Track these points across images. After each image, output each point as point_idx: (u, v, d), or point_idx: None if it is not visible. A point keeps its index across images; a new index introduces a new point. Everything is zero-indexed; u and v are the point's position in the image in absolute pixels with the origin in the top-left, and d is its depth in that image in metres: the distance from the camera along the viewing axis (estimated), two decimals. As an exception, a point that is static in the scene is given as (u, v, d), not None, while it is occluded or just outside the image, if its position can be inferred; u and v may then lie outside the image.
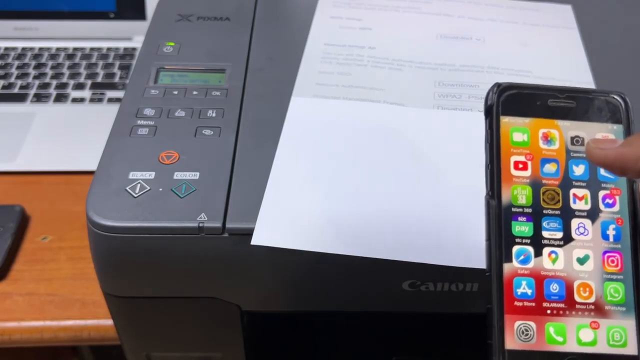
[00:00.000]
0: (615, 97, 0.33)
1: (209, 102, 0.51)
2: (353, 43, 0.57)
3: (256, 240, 0.41)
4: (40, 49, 0.84)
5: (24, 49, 0.84)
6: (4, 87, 0.79)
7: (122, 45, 0.84)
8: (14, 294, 0.60)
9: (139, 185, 0.45)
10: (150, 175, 0.45)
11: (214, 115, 0.50)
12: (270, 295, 0.47)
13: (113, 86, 0.79)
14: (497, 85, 0.33)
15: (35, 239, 0.64)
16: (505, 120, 0.33)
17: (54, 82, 0.79)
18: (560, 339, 0.31)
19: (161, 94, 0.52)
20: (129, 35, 0.85)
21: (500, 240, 0.31)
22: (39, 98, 0.77)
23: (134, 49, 0.84)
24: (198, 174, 0.45)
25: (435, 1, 0.62)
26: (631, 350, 0.31)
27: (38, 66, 0.81)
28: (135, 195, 0.44)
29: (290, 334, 0.59)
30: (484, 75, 0.54)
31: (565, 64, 0.56)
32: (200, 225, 0.43)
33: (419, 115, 0.50)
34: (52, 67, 0.81)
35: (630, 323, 0.32)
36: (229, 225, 0.43)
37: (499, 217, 0.32)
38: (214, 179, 0.45)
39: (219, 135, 0.49)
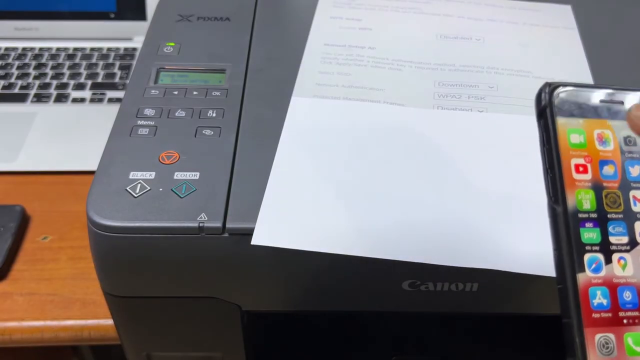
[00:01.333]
0: None
1: (209, 102, 0.52)
2: (353, 43, 0.57)
3: (256, 240, 0.41)
4: (41, 49, 0.84)
5: (24, 49, 0.84)
6: (4, 87, 0.79)
7: (122, 45, 0.84)
8: (14, 294, 0.60)
9: (139, 185, 0.45)
10: (150, 175, 0.45)
11: (214, 115, 0.50)
12: (270, 295, 0.47)
13: (113, 86, 0.79)
14: (548, 84, 0.32)
15: (35, 239, 0.64)
16: (561, 121, 0.31)
17: (55, 82, 0.79)
18: None
19: (161, 94, 0.52)
20: (130, 35, 0.85)
21: (571, 249, 0.30)
22: (40, 98, 0.77)
23: (134, 49, 0.84)
24: (198, 174, 0.46)
25: (435, 1, 0.62)
26: None
27: (38, 66, 0.81)
28: (136, 195, 0.44)
29: (290, 334, 0.59)
30: (483, 76, 0.54)
31: (565, 64, 0.56)
32: (201, 225, 0.43)
33: (419, 115, 0.50)
34: (53, 67, 0.81)
35: None
36: (229, 225, 0.43)
37: (568, 225, 0.30)
38: (214, 179, 0.45)
39: (219, 135, 0.49)
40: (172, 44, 0.57)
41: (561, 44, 0.58)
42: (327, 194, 0.44)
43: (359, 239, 0.42)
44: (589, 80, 0.54)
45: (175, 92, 0.52)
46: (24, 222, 0.65)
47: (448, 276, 0.45)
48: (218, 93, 0.52)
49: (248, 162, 0.47)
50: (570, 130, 0.31)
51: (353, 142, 0.48)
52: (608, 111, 0.32)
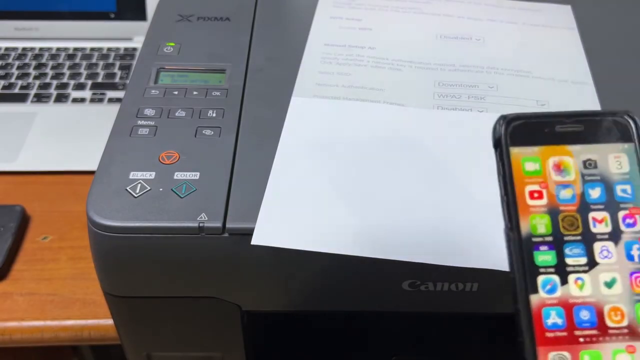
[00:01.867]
0: (623, 116, 0.33)
1: (209, 102, 0.52)
2: (353, 43, 0.57)
3: (256, 240, 0.41)
4: (41, 49, 0.84)
5: (24, 49, 0.84)
6: (4, 87, 0.79)
7: (122, 45, 0.84)
8: (14, 294, 0.60)
9: (139, 185, 0.45)
10: (150, 175, 0.45)
11: (214, 115, 0.50)
12: (270, 295, 0.47)
13: (113, 86, 0.79)
14: (503, 117, 0.33)
15: (35, 239, 0.64)
16: (515, 151, 0.33)
17: (55, 82, 0.79)
18: None
19: (161, 94, 0.52)
20: (130, 35, 0.85)
21: (524, 272, 0.31)
22: (40, 98, 0.77)
23: (134, 49, 0.84)
24: (198, 174, 0.46)
25: (435, 1, 0.62)
26: None
27: (38, 66, 0.81)
28: (136, 195, 0.44)
29: (290, 334, 0.59)
30: (483, 76, 0.54)
31: (565, 64, 0.56)
32: (201, 225, 0.43)
33: (419, 115, 0.50)
34: (53, 67, 0.81)
35: None
36: (229, 225, 0.43)
37: (521, 249, 0.31)
38: (214, 179, 0.45)
39: (219, 135, 0.49)
40: (172, 44, 0.57)
41: (561, 44, 0.58)
42: (327, 194, 0.44)
43: (359, 239, 0.42)
44: (589, 80, 0.54)
45: (175, 92, 0.52)
46: (24, 222, 0.65)
47: (448, 276, 0.45)
48: (218, 93, 0.52)
49: (248, 162, 0.47)
50: (525, 159, 0.33)
51: (353, 142, 0.48)
52: (566, 136, 0.33)
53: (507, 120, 0.33)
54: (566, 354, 0.30)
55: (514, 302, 0.31)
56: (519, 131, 0.33)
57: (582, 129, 0.33)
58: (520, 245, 0.31)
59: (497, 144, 0.33)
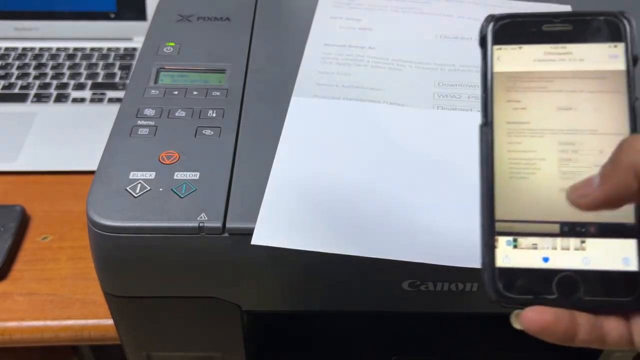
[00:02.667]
0: (616, 16, 0.33)
1: (209, 102, 0.52)
2: (353, 43, 0.57)
3: (256, 240, 0.41)
4: (41, 49, 0.84)
5: (24, 49, 0.84)
6: (4, 87, 0.79)
7: (122, 45, 0.84)
8: (14, 294, 0.60)
9: (139, 185, 0.45)
10: (150, 175, 0.45)
11: (214, 115, 0.50)
12: (270, 295, 0.47)
13: (113, 86, 0.79)
14: (491, 16, 0.34)
15: (35, 239, 0.64)
16: (497, 48, 0.34)
17: (55, 82, 0.79)
18: (549, 254, 0.32)
19: (161, 94, 0.52)
20: (130, 35, 0.85)
21: (492, 164, 0.33)
22: (40, 98, 0.77)
23: (134, 49, 0.84)
24: (198, 174, 0.46)
25: (435, 1, 0.62)
26: (631, 265, 0.32)
27: (38, 66, 0.81)
28: (136, 195, 0.44)
29: (290, 333, 0.59)
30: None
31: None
32: (201, 225, 0.43)
33: (419, 115, 0.50)
34: (53, 67, 0.81)
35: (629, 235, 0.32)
36: (229, 225, 0.43)
37: (492, 144, 0.33)
38: (214, 179, 0.45)
39: (219, 135, 0.49)
40: (172, 44, 0.57)
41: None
42: (326, 194, 0.44)
43: (359, 239, 0.42)
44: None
45: (175, 92, 0.52)
46: (24, 222, 0.65)
47: (448, 276, 0.45)
48: (218, 93, 0.52)
49: (248, 162, 0.47)
50: (507, 56, 0.34)
51: (353, 142, 0.48)
52: (552, 36, 0.34)
53: (494, 19, 0.34)
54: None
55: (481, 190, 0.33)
56: (506, 30, 0.34)
57: (570, 29, 0.34)
58: (492, 141, 0.33)
59: (483, 42, 0.34)
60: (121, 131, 0.49)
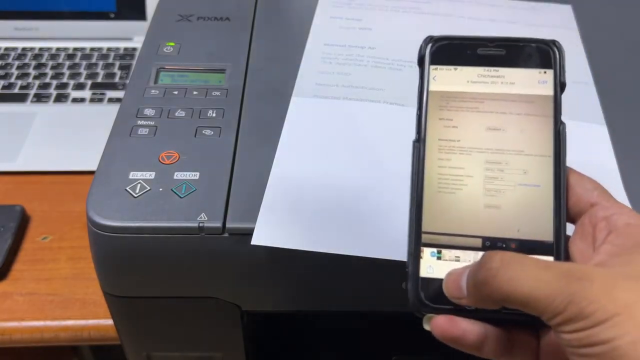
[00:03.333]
0: (547, 44, 0.36)
1: (209, 102, 0.52)
2: (353, 43, 0.57)
3: (256, 240, 0.41)
4: (41, 49, 0.84)
5: (24, 49, 0.84)
6: (4, 87, 0.79)
7: (122, 45, 0.84)
8: (14, 294, 0.60)
9: (139, 185, 0.45)
10: (150, 175, 0.45)
11: (214, 115, 0.50)
12: (270, 295, 0.47)
13: (113, 86, 0.79)
14: (430, 37, 0.36)
15: (35, 239, 0.64)
16: (433, 68, 0.36)
17: (54, 82, 0.79)
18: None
19: (161, 94, 0.52)
20: (129, 35, 0.85)
21: (422, 179, 0.35)
22: (39, 98, 0.77)
23: (134, 49, 0.84)
24: (198, 174, 0.46)
25: (435, 1, 0.62)
26: (545, 235, 0.34)
27: (38, 66, 0.81)
28: (136, 195, 0.44)
29: (290, 334, 0.59)
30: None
31: (565, 63, 0.56)
32: (201, 225, 0.43)
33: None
34: (52, 67, 0.81)
35: (545, 202, 0.34)
36: (229, 225, 0.43)
37: (424, 159, 0.35)
38: (214, 179, 0.45)
39: (219, 135, 0.49)
40: (172, 43, 0.57)
41: (561, 43, 0.58)
42: (326, 194, 0.44)
43: (359, 239, 0.42)
44: (589, 79, 0.54)
45: (175, 92, 0.52)
46: (23, 222, 0.65)
47: (448, 276, 0.45)
48: (218, 93, 0.52)
49: (248, 162, 0.47)
50: (442, 76, 0.36)
51: (353, 142, 0.48)
52: (486, 60, 0.36)
53: (432, 40, 0.36)
54: None
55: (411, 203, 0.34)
56: (443, 51, 0.36)
57: (503, 54, 0.36)
58: (424, 156, 0.35)
59: (421, 62, 0.36)
60: (121, 131, 0.49)
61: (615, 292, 0.27)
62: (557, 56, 0.35)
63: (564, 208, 0.34)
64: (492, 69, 0.35)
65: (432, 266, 0.34)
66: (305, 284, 0.46)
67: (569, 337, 0.28)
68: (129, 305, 0.48)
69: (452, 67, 0.36)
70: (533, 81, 0.35)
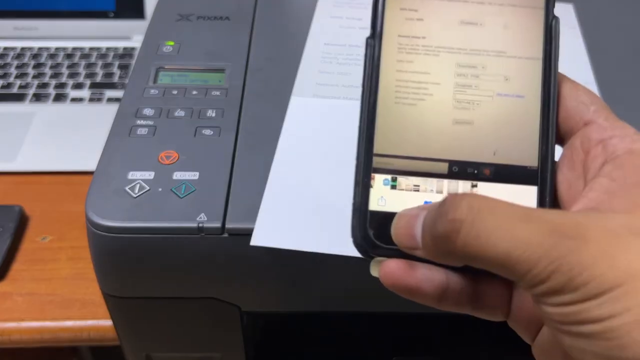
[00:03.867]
0: None
1: (208, 102, 0.51)
2: (353, 43, 0.57)
3: (256, 240, 0.41)
4: (40, 48, 0.84)
5: (23, 48, 0.84)
6: (3, 87, 0.79)
7: (121, 44, 0.84)
8: (13, 294, 0.60)
9: (138, 185, 0.45)
10: (149, 175, 0.45)
11: (213, 115, 0.50)
12: (270, 295, 0.47)
13: (112, 86, 0.79)
14: None
15: (34, 239, 0.64)
16: None
17: (53, 82, 0.79)
18: (433, 198, 0.27)
19: (161, 93, 0.52)
20: (128, 34, 0.85)
21: (377, 86, 0.28)
22: (38, 98, 0.77)
23: (133, 48, 0.84)
24: (198, 174, 0.45)
25: None
26: (529, 160, 0.27)
27: (37, 66, 0.81)
28: (135, 196, 0.44)
29: (290, 334, 0.59)
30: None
31: (567, 62, 0.55)
32: (200, 225, 0.42)
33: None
34: (51, 67, 0.81)
35: (529, 118, 0.27)
36: (228, 225, 0.43)
37: (379, 61, 0.28)
38: (214, 179, 0.45)
39: (219, 135, 0.48)
40: (172, 43, 0.57)
41: (563, 43, 0.58)
42: (326, 194, 0.44)
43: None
44: (591, 79, 0.54)
45: (175, 92, 0.52)
46: (23, 222, 0.65)
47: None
48: (218, 93, 0.52)
49: (247, 162, 0.47)
50: None
51: (353, 142, 0.47)
52: None
53: None
54: None
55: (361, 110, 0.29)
56: None
57: None
58: (379, 56, 0.28)
59: None
60: (120, 131, 0.49)
61: (617, 256, 0.21)
62: None
63: (554, 126, 0.27)
64: None
65: (384, 197, 0.28)
66: (305, 284, 0.46)
67: (552, 310, 0.22)
68: (128, 305, 0.48)
69: None
70: None
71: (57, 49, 0.83)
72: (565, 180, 0.27)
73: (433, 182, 0.27)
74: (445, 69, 0.28)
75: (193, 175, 0.45)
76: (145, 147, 0.47)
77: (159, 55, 0.56)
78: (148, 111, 0.50)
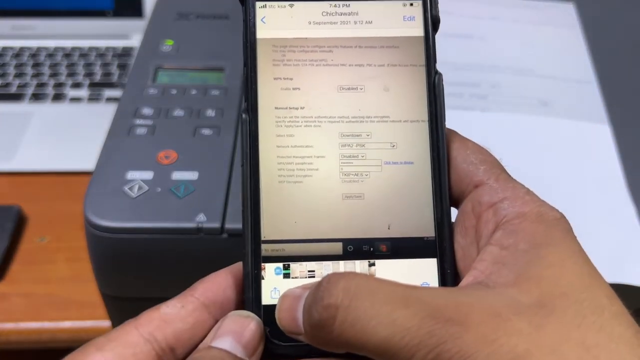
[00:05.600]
0: None
1: (207, 101, 0.51)
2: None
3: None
4: (38, 48, 0.83)
5: (21, 48, 0.83)
6: (1, 87, 0.78)
7: (120, 44, 0.84)
8: (11, 295, 0.59)
9: (137, 185, 0.44)
10: (148, 175, 0.45)
11: (212, 114, 0.50)
12: (270, 296, 0.47)
13: (111, 85, 0.79)
14: None
15: (33, 240, 0.64)
16: (260, 5, 0.27)
17: (52, 82, 0.79)
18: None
19: (160, 93, 0.52)
20: (127, 33, 0.85)
21: (257, 165, 0.26)
22: (37, 97, 0.77)
23: (132, 47, 0.83)
24: (197, 174, 0.45)
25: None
26: (425, 230, 0.26)
27: (35, 65, 0.81)
28: (134, 196, 0.44)
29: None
30: (485, 74, 0.53)
31: (567, 62, 0.55)
32: (199, 225, 0.42)
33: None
34: (50, 66, 0.81)
35: (421, 185, 0.26)
36: (227, 225, 0.42)
37: (257, 137, 0.26)
38: (213, 179, 0.45)
39: (218, 134, 0.48)
40: (171, 42, 0.57)
41: (564, 42, 0.57)
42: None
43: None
44: (592, 78, 0.53)
45: (174, 91, 0.52)
46: (21, 222, 0.64)
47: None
48: (217, 92, 0.52)
49: (247, 161, 0.46)
50: (274, 17, 0.27)
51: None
52: None
53: None
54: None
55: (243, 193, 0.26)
56: None
57: None
58: (256, 130, 0.26)
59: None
60: (119, 131, 0.48)
61: (498, 340, 0.19)
62: None
63: (446, 191, 0.25)
64: (340, 3, 0.27)
65: (277, 288, 0.25)
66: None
67: None
68: (126, 306, 0.48)
69: (286, 3, 0.27)
70: (396, 18, 0.27)
71: (55, 48, 0.83)
72: (459, 248, 0.25)
73: (329, 265, 0.25)
74: (329, 140, 0.26)
75: (192, 175, 0.45)
76: (144, 146, 0.47)
77: (158, 54, 0.56)
78: (147, 111, 0.50)
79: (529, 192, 0.24)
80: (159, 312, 0.25)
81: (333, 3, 0.27)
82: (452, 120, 0.49)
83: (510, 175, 0.25)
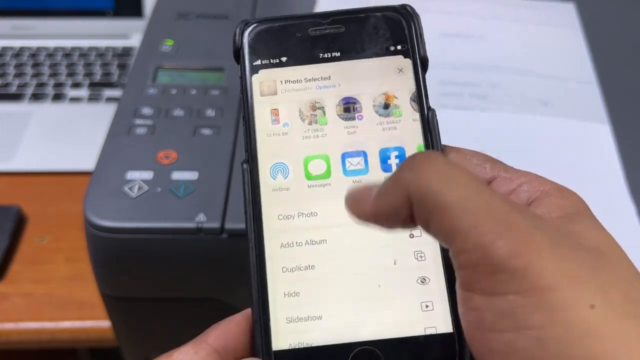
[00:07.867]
0: (396, 12, 0.27)
1: (207, 101, 0.51)
2: None
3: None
4: (38, 48, 0.83)
5: (21, 48, 0.83)
6: (1, 86, 0.78)
7: (120, 43, 0.84)
8: (11, 295, 0.59)
9: (137, 185, 0.44)
10: (148, 175, 0.45)
11: (212, 114, 0.50)
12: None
13: (111, 85, 0.79)
14: (244, 22, 0.28)
15: (32, 240, 0.64)
16: (257, 64, 0.27)
17: (52, 81, 0.79)
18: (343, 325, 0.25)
19: (159, 93, 0.52)
20: (127, 33, 0.84)
21: (260, 212, 0.26)
22: (37, 97, 0.77)
23: (131, 47, 0.83)
24: (197, 173, 0.45)
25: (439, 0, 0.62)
26: (443, 327, 0.25)
27: (35, 65, 0.81)
28: (133, 196, 0.44)
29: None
30: (486, 74, 0.53)
31: (568, 62, 0.55)
32: (199, 225, 0.42)
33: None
34: (50, 66, 0.81)
35: (437, 289, 0.25)
36: (227, 225, 0.42)
37: (257, 185, 0.26)
38: (213, 179, 0.45)
39: (218, 134, 0.48)
40: (171, 42, 0.57)
41: (564, 42, 0.57)
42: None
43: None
44: (592, 78, 0.53)
45: (174, 91, 0.52)
46: (21, 222, 0.64)
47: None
48: (217, 92, 0.52)
49: (247, 161, 0.46)
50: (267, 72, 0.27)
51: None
52: (320, 43, 0.27)
53: (248, 26, 0.28)
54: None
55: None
56: (264, 40, 0.28)
57: (342, 31, 0.28)
58: (257, 181, 0.26)
59: (237, 57, 0.28)
60: (119, 130, 0.48)
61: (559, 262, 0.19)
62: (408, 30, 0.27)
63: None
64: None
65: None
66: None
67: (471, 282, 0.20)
68: (126, 306, 0.48)
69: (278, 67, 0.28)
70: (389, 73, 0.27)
71: (55, 48, 0.83)
72: None
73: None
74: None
75: (192, 175, 0.45)
76: (144, 146, 0.47)
77: (158, 54, 0.56)
78: (147, 111, 0.50)
79: (538, 175, 0.25)
80: (172, 359, 0.26)
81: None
82: (452, 120, 0.49)
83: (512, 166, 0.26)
